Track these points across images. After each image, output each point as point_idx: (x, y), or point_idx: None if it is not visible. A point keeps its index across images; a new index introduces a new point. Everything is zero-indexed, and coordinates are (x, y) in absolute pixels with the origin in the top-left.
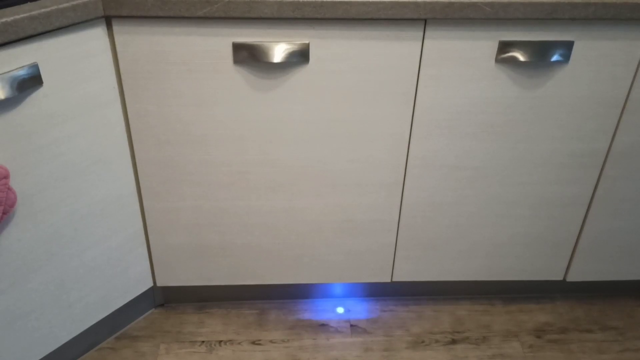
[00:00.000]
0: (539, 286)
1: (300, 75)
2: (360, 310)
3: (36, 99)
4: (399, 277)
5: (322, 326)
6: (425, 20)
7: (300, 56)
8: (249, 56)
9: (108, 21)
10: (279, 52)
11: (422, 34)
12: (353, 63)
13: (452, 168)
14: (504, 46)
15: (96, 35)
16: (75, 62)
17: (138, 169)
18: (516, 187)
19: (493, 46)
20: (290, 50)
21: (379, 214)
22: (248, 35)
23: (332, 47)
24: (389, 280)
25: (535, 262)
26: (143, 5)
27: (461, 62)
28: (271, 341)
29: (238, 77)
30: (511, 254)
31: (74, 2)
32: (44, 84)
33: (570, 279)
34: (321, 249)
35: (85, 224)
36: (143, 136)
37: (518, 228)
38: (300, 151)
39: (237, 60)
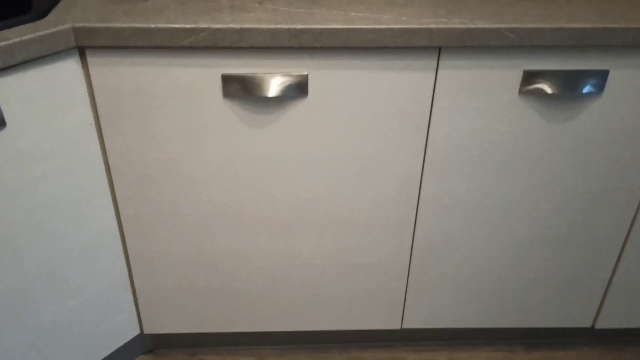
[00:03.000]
0: (565, 332)
1: (299, 109)
2: (368, 358)
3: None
4: (410, 323)
5: None
6: (440, 48)
7: (298, 89)
8: (240, 89)
9: (82, 51)
10: (274, 85)
11: (435, 62)
12: (357, 95)
13: (468, 207)
14: (529, 76)
15: (68, 68)
16: (45, 98)
17: (120, 210)
18: (540, 227)
19: (517, 76)
20: (287, 83)
21: (388, 256)
22: (239, 66)
23: (333, 78)
24: (398, 327)
25: (560, 307)
26: (120, 34)
27: (480, 94)
28: None
29: (229, 112)
30: (534, 299)
31: (41, 33)
32: (8, 125)
33: (599, 326)
34: (324, 293)
35: (63, 270)
36: (124, 175)
37: (541, 270)
38: (300, 190)
39: (227, 94)
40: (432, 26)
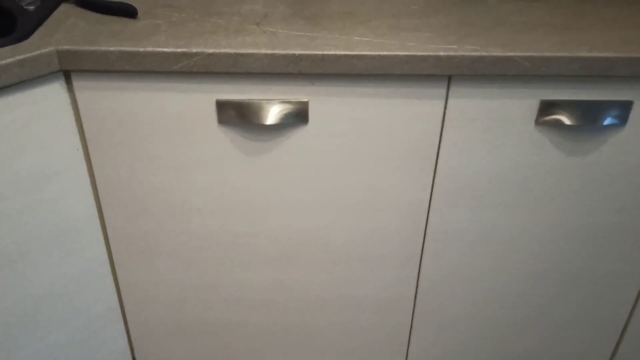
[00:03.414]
0: None
1: (298, 137)
2: None
3: None
4: None
5: None
6: (450, 77)
7: (298, 116)
8: (236, 116)
9: (67, 75)
10: (272, 112)
11: (445, 91)
12: (361, 124)
13: (477, 241)
14: (547, 106)
15: (53, 93)
16: (28, 124)
17: (110, 240)
18: (553, 262)
19: (533, 106)
20: (286, 110)
21: (392, 290)
22: (235, 92)
23: (335, 105)
24: None
25: (574, 346)
26: (106, 58)
27: (493, 124)
28: None
29: (224, 139)
30: (546, 337)
31: (20, 57)
32: None
33: None
34: (324, 328)
35: (52, 302)
36: (114, 204)
37: (554, 308)
38: (298, 221)
39: (222, 120)
40: (442, 53)
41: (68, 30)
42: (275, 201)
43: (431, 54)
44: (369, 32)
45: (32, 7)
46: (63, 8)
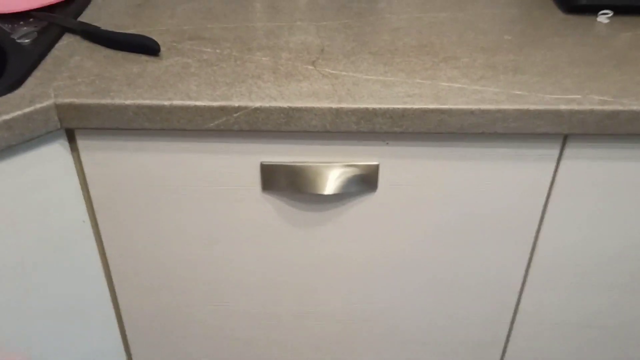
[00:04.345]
0: None
1: (363, 206)
2: None
3: None
4: None
5: None
6: (566, 135)
7: (364, 183)
8: (285, 182)
9: (70, 133)
10: (331, 178)
11: (558, 152)
12: (444, 190)
13: (574, 325)
14: None
15: (52, 155)
16: (23, 194)
17: (124, 322)
18: None
19: None
20: (350, 175)
21: None
22: (284, 153)
23: (413, 169)
24: None
25: None
26: (121, 114)
27: (614, 191)
28: None
29: (269, 209)
30: None
31: (8, 117)
32: None
33: None
34: None
35: None
36: (128, 281)
37: None
38: (356, 301)
39: (267, 187)
40: (562, 107)
41: (72, 73)
42: (330, 278)
43: (548, 107)
44: (460, 73)
45: (27, 41)
46: (66, 41)
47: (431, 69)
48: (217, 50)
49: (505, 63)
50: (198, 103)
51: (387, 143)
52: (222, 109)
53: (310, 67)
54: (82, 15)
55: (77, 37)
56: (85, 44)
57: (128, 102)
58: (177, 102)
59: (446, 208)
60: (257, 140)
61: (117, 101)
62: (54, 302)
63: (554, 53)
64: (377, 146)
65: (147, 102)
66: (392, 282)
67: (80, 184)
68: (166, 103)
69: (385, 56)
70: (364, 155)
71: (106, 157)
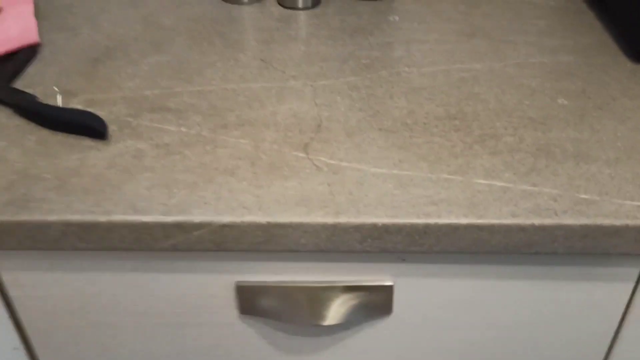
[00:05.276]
0: None
1: (374, 332)
2: None
3: None
4: None
5: None
6: None
7: (375, 308)
8: (271, 307)
9: None
10: (331, 304)
11: (638, 271)
12: (479, 312)
13: None
14: None
15: None
16: None
17: None
18: None
19: None
20: (356, 301)
21: None
22: (267, 271)
23: (439, 289)
24: None
25: None
26: (43, 236)
27: None
28: None
29: (249, 333)
30: None
31: None
32: None
33: None
34: None
35: None
36: None
37: None
38: None
39: (246, 310)
40: None
41: None
42: None
43: (630, 223)
44: (502, 163)
45: None
46: None
47: (463, 155)
48: (183, 129)
49: (563, 144)
50: (146, 219)
51: (404, 260)
52: (178, 226)
53: (301, 154)
54: (23, 74)
55: (10, 110)
56: (16, 122)
57: (52, 217)
58: (117, 218)
59: (483, 332)
60: (229, 256)
61: (38, 217)
62: None
63: (628, 126)
64: (390, 263)
65: (78, 217)
66: None
67: (6, 307)
68: (102, 219)
69: (401, 135)
70: (373, 274)
71: (34, 279)
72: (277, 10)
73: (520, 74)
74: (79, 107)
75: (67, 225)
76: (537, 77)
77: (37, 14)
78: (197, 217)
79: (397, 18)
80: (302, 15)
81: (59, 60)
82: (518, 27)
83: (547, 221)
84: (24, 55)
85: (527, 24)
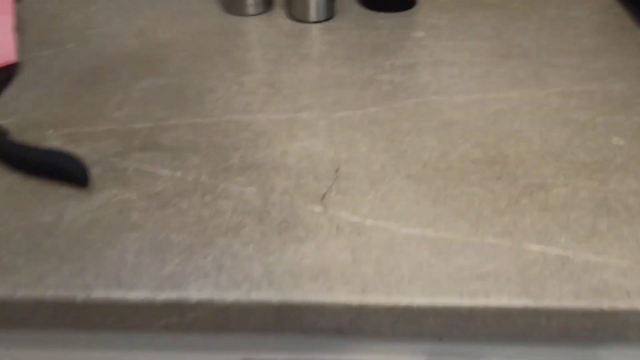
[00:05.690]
0: None
1: None
2: None
3: None
4: None
5: None
6: None
7: None
8: None
9: None
10: None
11: None
12: None
13: None
14: None
15: None
16: None
17: None
18: None
19: None
20: None
21: None
22: (279, 348)
23: None
24: None
25: None
26: (9, 314)
27: None
28: None
29: None
30: None
31: None
32: None
33: None
34: None
35: None
36: None
37: None
38: None
39: None
40: None
41: None
42: None
43: None
44: (555, 223)
45: None
46: None
47: (508, 211)
48: (178, 173)
49: (626, 198)
50: (131, 297)
51: (441, 339)
52: (171, 307)
53: (317, 208)
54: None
55: None
56: None
57: (19, 294)
58: (97, 296)
59: None
60: (236, 334)
61: (2, 293)
62: None
63: None
64: (424, 344)
65: (50, 293)
66: None
67: None
68: (79, 297)
69: (433, 183)
70: (403, 354)
71: (6, 355)
72: (287, 23)
73: (566, 106)
74: (58, 143)
75: (37, 303)
76: (586, 109)
77: (19, 25)
78: (193, 294)
79: (422, 34)
80: (314, 30)
81: (39, 83)
82: (558, 46)
83: (617, 305)
84: (3, 77)
85: (569, 43)
